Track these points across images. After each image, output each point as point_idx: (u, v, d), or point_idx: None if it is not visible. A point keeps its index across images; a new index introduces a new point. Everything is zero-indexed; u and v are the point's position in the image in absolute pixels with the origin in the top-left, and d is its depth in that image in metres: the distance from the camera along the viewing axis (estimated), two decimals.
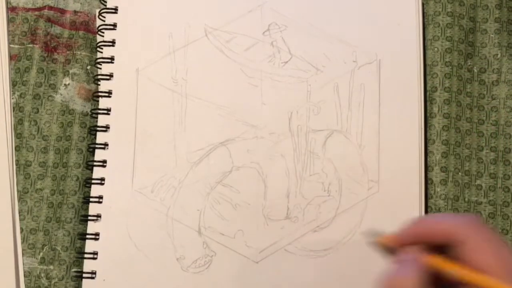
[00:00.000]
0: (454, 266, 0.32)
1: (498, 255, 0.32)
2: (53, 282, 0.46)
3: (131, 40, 0.49)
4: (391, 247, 0.36)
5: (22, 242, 0.47)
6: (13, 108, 0.49)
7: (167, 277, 0.46)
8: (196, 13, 0.49)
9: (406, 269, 0.33)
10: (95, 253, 0.46)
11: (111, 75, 0.48)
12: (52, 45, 0.50)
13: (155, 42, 0.49)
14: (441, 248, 0.33)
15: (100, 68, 0.49)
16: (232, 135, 0.47)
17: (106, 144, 0.47)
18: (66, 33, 0.50)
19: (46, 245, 0.47)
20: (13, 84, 0.49)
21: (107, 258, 0.46)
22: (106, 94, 0.48)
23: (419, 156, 0.47)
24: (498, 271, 0.31)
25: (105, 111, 0.48)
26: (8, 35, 0.50)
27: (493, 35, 0.49)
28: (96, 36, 0.50)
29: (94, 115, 0.48)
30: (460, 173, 0.47)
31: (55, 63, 0.49)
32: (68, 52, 0.50)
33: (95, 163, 0.47)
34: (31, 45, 0.50)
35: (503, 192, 0.47)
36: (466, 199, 0.47)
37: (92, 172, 0.47)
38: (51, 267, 0.46)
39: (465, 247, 0.32)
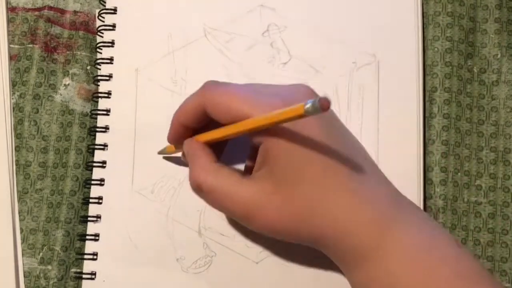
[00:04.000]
0: (219, 130, 0.37)
1: (246, 100, 0.35)
2: (52, 282, 0.46)
3: (130, 41, 0.49)
4: (178, 149, 0.43)
5: (22, 243, 0.47)
6: (13, 108, 0.49)
7: (167, 277, 0.46)
8: (195, 14, 0.49)
9: (197, 160, 0.38)
10: (95, 254, 0.46)
11: (110, 76, 0.48)
12: (52, 45, 0.50)
13: (154, 43, 0.49)
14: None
15: (100, 69, 0.49)
16: None
17: (105, 145, 0.48)
18: (66, 33, 0.50)
19: (45, 245, 0.47)
20: (13, 84, 0.49)
21: (107, 259, 0.46)
22: (106, 95, 0.48)
23: (418, 157, 0.47)
24: (250, 111, 0.35)
25: (105, 112, 0.48)
26: (8, 35, 0.50)
27: (493, 36, 0.49)
28: (96, 36, 0.50)
29: (93, 115, 0.48)
30: (459, 174, 0.47)
31: (55, 63, 0.49)
32: (68, 52, 0.50)
33: (94, 164, 0.47)
34: (31, 45, 0.49)
35: (503, 192, 0.47)
36: (466, 200, 0.47)
37: (91, 173, 0.47)
38: (50, 267, 0.46)
39: (209, 110, 0.37)
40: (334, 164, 0.34)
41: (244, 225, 0.38)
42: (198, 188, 0.37)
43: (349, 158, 0.35)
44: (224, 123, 0.37)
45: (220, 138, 0.38)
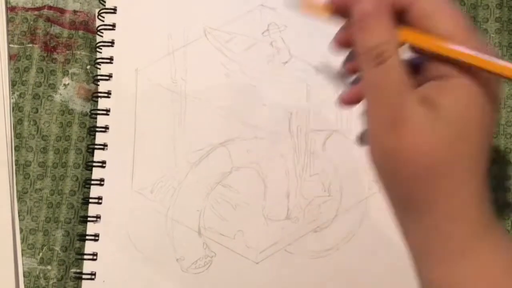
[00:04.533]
0: (423, 36, 0.29)
1: (454, 18, 0.29)
2: (52, 282, 0.46)
3: (130, 41, 0.49)
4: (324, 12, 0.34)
5: (22, 243, 0.47)
6: (13, 108, 0.49)
7: (167, 278, 0.45)
8: (195, 13, 0.49)
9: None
10: (95, 254, 0.46)
11: (110, 76, 0.48)
12: (51, 45, 0.50)
13: (154, 43, 0.49)
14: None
15: (99, 69, 0.49)
16: (232, 135, 0.47)
17: (105, 145, 0.47)
18: (65, 32, 0.50)
19: (45, 246, 0.47)
20: (13, 84, 0.49)
21: (107, 259, 0.46)
22: (105, 95, 0.48)
23: None
24: (458, 37, 0.29)
25: (104, 112, 0.48)
26: (8, 34, 0.50)
27: (493, 35, 0.49)
28: (95, 36, 0.50)
29: (93, 115, 0.48)
30: None
31: (54, 63, 0.49)
32: (67, 51, 0.50)
33: (94, 164, 0.47)
34: (30, 45, 0.49)
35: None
36: None
37: (91, 173, 0.47)
38: (50, 267, 0.46)
39: (419, 7, 0.30)
40: (484, 147, 0.31)
41: (373, 129, 0.32)
42: (377, 55, 0.29)
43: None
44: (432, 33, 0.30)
45: (423, 49, 0.30)
